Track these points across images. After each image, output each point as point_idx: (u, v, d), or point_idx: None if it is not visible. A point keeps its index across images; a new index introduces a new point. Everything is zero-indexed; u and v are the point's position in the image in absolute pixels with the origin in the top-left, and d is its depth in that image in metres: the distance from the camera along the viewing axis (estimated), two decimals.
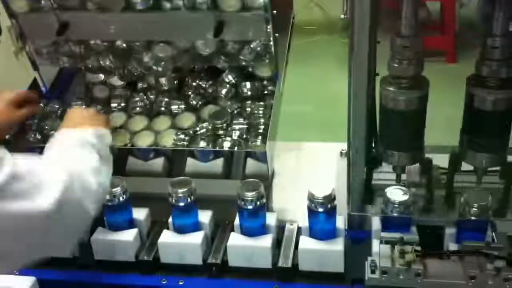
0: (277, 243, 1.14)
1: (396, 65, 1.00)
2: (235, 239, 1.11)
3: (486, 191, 1.06)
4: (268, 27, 1.25)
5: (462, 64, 3.80)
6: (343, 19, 3.95)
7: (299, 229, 1.16)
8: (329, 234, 1.11)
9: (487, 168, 1.09)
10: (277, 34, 1.26)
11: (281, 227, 1.18)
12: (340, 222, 1.13)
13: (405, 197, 1.08)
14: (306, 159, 1.51)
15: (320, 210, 1.08)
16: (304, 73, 2.94)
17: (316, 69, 3.63)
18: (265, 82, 1.43)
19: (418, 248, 1.00)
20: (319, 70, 3.65)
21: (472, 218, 1.04)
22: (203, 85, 1.46)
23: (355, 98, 1.03)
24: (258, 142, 1.30)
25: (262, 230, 1.13)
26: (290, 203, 1.29)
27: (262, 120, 1.35)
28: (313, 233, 1.11)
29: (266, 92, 1.43)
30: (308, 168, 1.45)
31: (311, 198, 1.08)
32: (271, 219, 1.16)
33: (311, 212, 1.10)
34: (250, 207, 1.10)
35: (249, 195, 1.08)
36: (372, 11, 0.94)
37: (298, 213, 1.17)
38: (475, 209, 1.04)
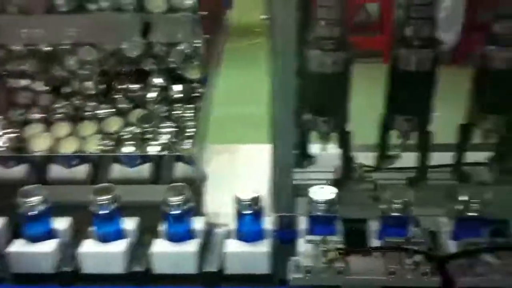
0: (206, 248, 1.12)
1: (320, 26, 0.98)
2: (160, 246, 1.09)
3: (408, 188, 1.08)
4: (196, 28, 1.23)
5: None
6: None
7: (230, 232, 1.15)
8: (256, 236, 1.10)
9: (408, 132, 1.08)
10: (206, 36, 1.25)
11: (211, 232, 1.16)
12: (268, 223, 1.12)
13: (330, 196, 1.08)
14: (241, 161, 1.51)
15: (246, 212, 1.07)
16: (243, 75, 2.94)
17: (256, 71, 3.63)
18: (195, 85, 1.42)
19: (341, 246, 1.00)
20: (259, 72, 3.65)
21: (394, 214, 1.05)
22: (131, 89, 1.43)
23: (276, 98, 1.03)
24: (187, 146, 1.28)
25: (189, 235, 1.11)
26: (223, 207, 1.28)
27: (191, 123, 1.34)
28: (241, 236, 1.10)
29: (196, 94, 1.41)
30: (243, 170, 1.45)
31: (237, 200, 1.08)
32: (198, 224, 1.14)
33: (238, 215, 1.09)
34: (175, 212, 1.07)
35: (174, 200, 1.06)
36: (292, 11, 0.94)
37: (231, 217, 1.16)
38: (397, 205, 1.05)
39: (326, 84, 0.98)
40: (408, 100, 0.99)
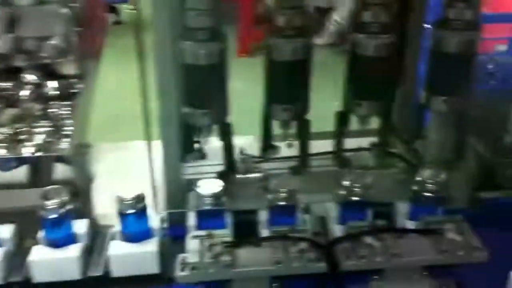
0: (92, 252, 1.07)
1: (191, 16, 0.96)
2: (38, 253, 1.02)
3: (292, 176, 1.09)
4: (70, 22, 1.16)
5: None
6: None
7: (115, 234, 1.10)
8: (142, 236, 1.06)
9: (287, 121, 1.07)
10: (80, 29, 1.18)
11: (97, 234, 1.11)
12: (155, 221, 1.09)
13: (216, 189, 1.06)
14: (132, 159, 1.45)
15: (129, 212, 1.04)
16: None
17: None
18: (72, 80, 1.34)
19: (227, 239, 0.99)
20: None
21: (280, 203, 1.05)
22: (1, 87, 1.32)
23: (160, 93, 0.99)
24: (64, 145, 1.20)
25: (70, 239, 1.05)
26: (111, 207, 1.22)
27: (69, 121, 1.26)
28: (126, 237, 1.06)
29: (74, 91, 1.33)
30: (136, 168, 1.39)
31: (119, 200, 1.04)
32: (81, 227, 1.08)
33: (121, 215, 1.05)
34: (52, 216, 1.01)
35: (50, 203, 1.00)
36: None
37: None
38: (283, 194, 1.05)
39: (202, 76, 0.96)
40: (285, 89, 0.99)
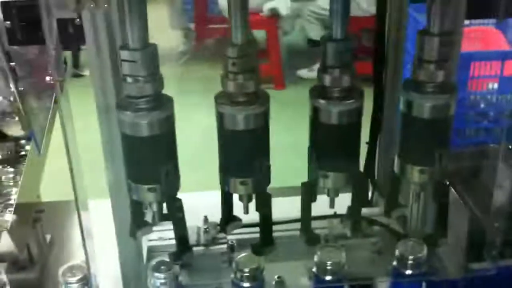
0: None
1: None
2: None
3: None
4: (8, 81, 1.07)
5: (290, 90, 3.92)
6: None
7: None
8: None
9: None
10: (21, 88, 1.09)
11: None
12: None
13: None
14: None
15: None
16: None
17: None
18: (22, 142, 1.24)
19: None
20: None
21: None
22: None
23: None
24: (8, 217, 1.09)
25: None
26: None
27: (14, 189, 1.15)
28: None
29: (23, 153, 1.23)
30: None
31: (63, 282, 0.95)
32: None
33: None
34: None
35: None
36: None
37: None
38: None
39: (143, 147, 0.86)
40: (241, 160, 0.89)
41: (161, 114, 0.84)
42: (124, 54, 0.82)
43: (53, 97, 1.26)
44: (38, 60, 1.14)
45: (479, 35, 2.74)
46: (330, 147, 0.90)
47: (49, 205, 1.37)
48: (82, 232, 0.91)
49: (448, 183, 1.17)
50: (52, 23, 0.78)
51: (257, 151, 0.89)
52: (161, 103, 0.85)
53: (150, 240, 1.18)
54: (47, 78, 0.75)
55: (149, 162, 0.87)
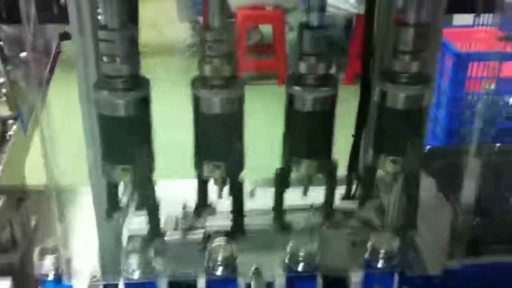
0: None
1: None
2: None
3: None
4: None
5: None
6: None
7: None
8: None
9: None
10: (9, 68, 1.11)
11: None
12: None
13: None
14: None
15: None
16: None
17: None
18: (10, 122, 1.26)
19: None
20: None
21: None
22: None
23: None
24: None
25: None
26: None
27: None
28: None
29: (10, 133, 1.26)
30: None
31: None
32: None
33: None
34: None
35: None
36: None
37: None
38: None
39: (117, 128, 0.87)
40: (215, 144, 0.90)
41: (137, 94, 0.85)
42: (102, 34, 0.83)
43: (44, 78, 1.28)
44: None
45: (483, 36, 2.73)
46: (303, 134, 0.90)
47: (36, 189, 1.38)
48: (57, 216, 0.93)
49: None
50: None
51: (231, 135, 0.90)
52: (138, 84, 0.86)
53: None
54: (22, 54, 0.76)
55: (123, 142, 0.88)
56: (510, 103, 2.50)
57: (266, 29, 4.30)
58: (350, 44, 3.99)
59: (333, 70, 0.99)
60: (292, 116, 0.90)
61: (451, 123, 2.47)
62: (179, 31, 4.43)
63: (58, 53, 1.27)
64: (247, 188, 1.26)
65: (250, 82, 3.92)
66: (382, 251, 0.98)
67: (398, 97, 0.87)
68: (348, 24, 3.95)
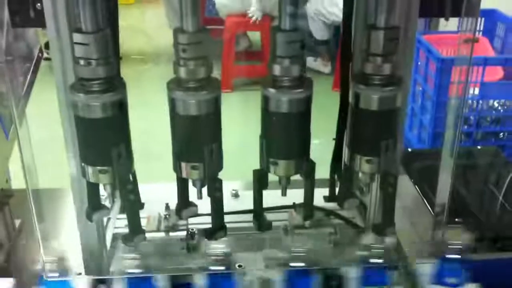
0: None
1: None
2: None
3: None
4: None
5: None
6: None
7: None
8: None
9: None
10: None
11: None
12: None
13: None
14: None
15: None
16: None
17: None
18: None
19: None
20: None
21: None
22: None
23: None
24: None
25: None
26: None
27: None
28: None
29: None
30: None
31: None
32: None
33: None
34: None
35: None
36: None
37: None
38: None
39: (95, 130, 0.88)
40: (192, 146, 0.91)
41: (113, 97, 0.87)
42: (77, 37, 0.84)
43: (26, 82, 1.29)
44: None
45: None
46: (279, 135, 0.92)
47: (22, 192, 1.39)
48: (34, 216, 0.94)
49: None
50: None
51: (209, 136, 0.91)
52: (114, 86, 0.88)
53: (116, 228, 1.21)
54: None
55: (101, 144, 0.89)
56: (494, 107, 2.54)
57: (255, 36, 4.34)
58: (338, 50, 4.03)
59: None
60: (267, 118, 0.92)
61: (436, 127, 2.50)
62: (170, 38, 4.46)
63: (40, 57, 1.28)
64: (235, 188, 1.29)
65: (240, 88, 3.96)
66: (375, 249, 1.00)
67: (371, 99, 0.89)
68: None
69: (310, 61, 4.09)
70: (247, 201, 1.25)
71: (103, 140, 0.89)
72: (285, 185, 0.99)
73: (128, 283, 1.03)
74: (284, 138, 0.92)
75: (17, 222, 1.28)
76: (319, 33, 4.06)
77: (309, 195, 0.99)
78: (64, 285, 1.04)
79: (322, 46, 4.16)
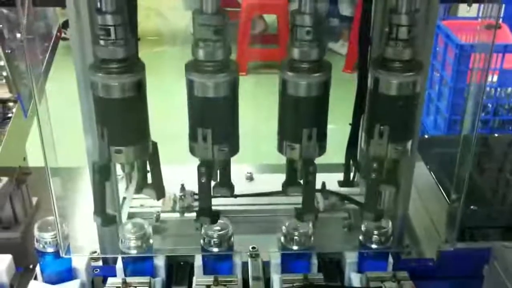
0: None
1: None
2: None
3: None
4: None
5: None
6: None
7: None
8: (63, 277, 1.01)
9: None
10: (8, 51, 1.12)
11: None
12: (80, 262, 1.02)
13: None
14: None
15: (49, 250, 1.00)
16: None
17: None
18: (10, 104, 1.28)
19: None
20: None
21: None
22: None
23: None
24: None
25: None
26: None
27: None
28: (46, 277, 1.01)
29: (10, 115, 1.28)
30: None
31: (38, 237, 0.99)
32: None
33: (38, 254, 1.01)
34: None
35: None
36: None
37: None
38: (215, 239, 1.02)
39: (115, 109, 0.89)
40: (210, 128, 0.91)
41: (132, 77, 0.87)
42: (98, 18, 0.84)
43: (45, 61, 1.30)
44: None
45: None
46: (297, 119, 0.92)
47: (39, 170, 1.41)
48: (51, 193, 0.95)
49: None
50: None
51: (226, 119, 0.91)
52: (132, 67, 0.88)
53: (132, 207, 1.22)
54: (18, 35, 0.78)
55: (119, 124, 0.90)
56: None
57: (271, 18, 4.31)
58: (350, 33, 4.01)
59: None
60: (285, 101, 0.92)
61: (452, 113, 2.48)
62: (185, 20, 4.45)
63: (58, 37, 1.29)
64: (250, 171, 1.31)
65: (255, 71, 3.95)
66: (375, 235, 1.00)
67: (391, 84, 0.88)
68: None
69: (332, 44, 4.08)
70: (261, 184, 1.27)
71: (122, 120, 0.89)
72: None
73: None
74: (301, 122, 0.92)
75: (34, 200, 1.30)
76: (348, 9, 4.03)
77: (309, 198, 0.99)
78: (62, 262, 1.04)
79: (345, 24, 4.12)
